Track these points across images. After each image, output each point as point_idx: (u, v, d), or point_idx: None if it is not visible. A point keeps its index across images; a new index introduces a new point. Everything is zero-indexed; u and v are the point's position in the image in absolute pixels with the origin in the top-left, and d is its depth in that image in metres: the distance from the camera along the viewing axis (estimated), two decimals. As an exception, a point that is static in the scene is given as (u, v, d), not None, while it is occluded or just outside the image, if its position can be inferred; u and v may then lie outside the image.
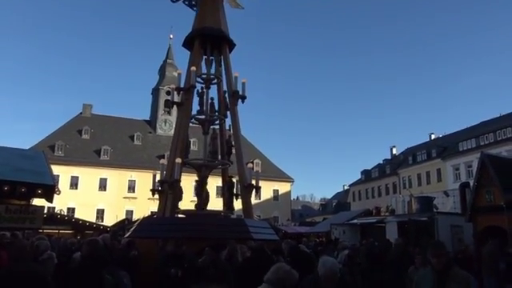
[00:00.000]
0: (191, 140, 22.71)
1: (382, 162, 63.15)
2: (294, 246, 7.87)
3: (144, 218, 14.53)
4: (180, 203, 11.21)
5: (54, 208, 30.33)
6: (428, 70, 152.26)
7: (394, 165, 57.36)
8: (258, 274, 3.93)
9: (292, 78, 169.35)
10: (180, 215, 11.31)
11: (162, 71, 58.61)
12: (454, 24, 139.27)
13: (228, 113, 12.36)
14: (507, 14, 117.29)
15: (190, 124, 12.46)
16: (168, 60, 58.26)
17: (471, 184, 15.85)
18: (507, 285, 8.91)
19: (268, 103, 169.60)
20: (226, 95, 12.42)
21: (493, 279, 9.62)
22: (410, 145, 61.55)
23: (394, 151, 63.92)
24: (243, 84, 12.08)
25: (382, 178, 57.67)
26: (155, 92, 57.16)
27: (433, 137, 58.15)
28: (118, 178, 46.47)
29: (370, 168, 62.93)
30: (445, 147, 48.93)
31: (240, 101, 12.02)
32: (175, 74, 45.32)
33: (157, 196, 11.39)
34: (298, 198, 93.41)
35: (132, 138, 51.66)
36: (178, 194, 10.95)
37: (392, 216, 20.10)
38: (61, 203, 32.03)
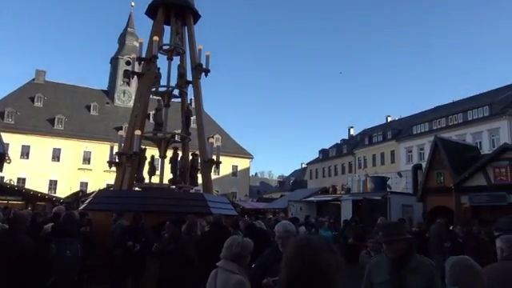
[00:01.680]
0: (150, 112, 22.24)
1: (339, 141, 64.60)
2: (250, 224, 8.01)
3: (100, 191, 14.17)
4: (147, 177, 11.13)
5: (2, 178, 29.04)
6: (387, 55, 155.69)
7: (350, 145, 58.81)
8: (217, 248, 3.97)
9: (253, 55, 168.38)
10: (137, 188, 11.12)
11: (121, 40, 56.42)
12: (412, 8, 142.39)
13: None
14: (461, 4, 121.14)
15: (151, 96, 12.11)
16: (129, 28, 56.11)
17: (423, 166, 16.57)
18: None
19: (228, 79, 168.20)
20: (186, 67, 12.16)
21: (439, 256, 10.16)
22: (367, 126, 63.35)
23: (352, 132, 65.52)
24: (207, 57, 11.81)
25: (339, 158, 59.08)
26: (114, 61, 55.09)
27: (389, 119, 59.96)
28: (72, 148, 44.92)
29: (327, 147, 64.25)
30: (400, 130, 50.63)
31: (203, 74, 11.78)
32: (136, 43, 43.90)
33: (114, 168, 11.12)
34: (256, 174, 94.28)
35: (88, 107, 49.85)
36: (149, 168, 10.85)
37: (347, 194, 20.71)
38: (10, 173, 30.67)
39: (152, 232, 7.13)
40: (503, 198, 12.96)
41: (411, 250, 3.17)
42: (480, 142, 34.61)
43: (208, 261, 4.09)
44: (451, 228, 10.79)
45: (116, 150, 10.84)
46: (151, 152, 11.62)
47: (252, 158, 55.60)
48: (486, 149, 30.92)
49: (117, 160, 10.81)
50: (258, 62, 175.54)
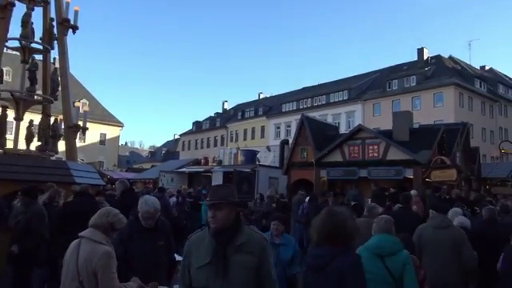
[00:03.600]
0: (4, 69, 19.47)
1: (213, 114, 65.40)
2: (130, 188, 7.77)
3: None
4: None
5: None
6: (263, 34, 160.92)
7: (224, 118, 60.02)
8: (82, 219, 3.76)
9: (128, 19, 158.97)
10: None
11: (-33, -21, 47.81)
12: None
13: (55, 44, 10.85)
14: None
15: (4, 50, 10.56)
16: (-24, -33, 47.77)
17: (290, 142, 17.75)
18: (307, 228, 10.34)
19: (97, 40, 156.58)
20: (54, 23, 10.86)
21: (299, 225, 11.11)
22: (240, 101, 65.21)
23: (226, 105, 66.83)
24: (76, 12, 10.72)
25: (212, 130, 59.97)
26: (-44, 4, 46.56)
27: (261, 96, 62.60)
28: None
29: (201, 119, 64.58)
30: (270, 107, 53.29)
31: (71, 31, 10.68)
32: (-14, -14, 37.54)
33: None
34: (126, 143, 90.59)
35: None
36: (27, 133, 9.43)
37: (219, 166, 21.19)
38: None
39: (5, 202, 6.37)
40: (354, 173, 14.63)
41: (240, 221, 2.51)
42: (339, 123, 38.31)
43: (70, 232, 3.82)
44: (308, 199, 11.68)
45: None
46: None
47: (122, 127, 52.95)
48: (344, 129, 34.39)
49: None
50: (132, 27, 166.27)
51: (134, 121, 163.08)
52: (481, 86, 40.12)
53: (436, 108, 35.76)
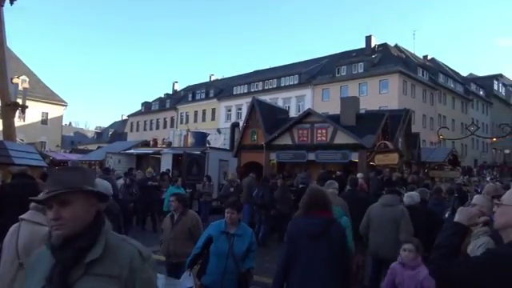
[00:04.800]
0: None
1: (163, 95, 64.01)
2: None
3: None
4: None
5: None
6: (216, 14, 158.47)
7: (174, 100, 58.96)
8: (21, 201, 3.59)
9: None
10: None
11: None
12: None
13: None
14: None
15: None
16: None
17: (240, 124, 17.79)
18: (261, 210, 10.54)
19: (38, 14, 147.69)
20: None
21: (248, 205, 11.24)
22: (191, 82, 64.20)
23: (176, 87, 65.59)
24: (14, -19, 10.02)
25: (162, 112, 58.80)
26: None
27: (213, 78, 61.96)
28: None
29: (150, 100, 63.07)
30: (221, 89, 52.93)
31: (8, 1, 10.00)
32: None
33: None
34: (70, 123, 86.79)
35: None
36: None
37: (168, 148, 20.84)
38: None
39: None
40: (303, 156, 14.94)
41: (100, 224, 1.55)
42: (289, 107, 38.86)
43: (9, 216, 3.65)
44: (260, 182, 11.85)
45: None
46: None
47: (66, 106, 50.52)
48: (294, 113, 34.87)
49: None
50: (78, 1, 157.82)
51: (79, 100, 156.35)
52: (423, 75, 42.07)
53: (381, 94, 37.11)
